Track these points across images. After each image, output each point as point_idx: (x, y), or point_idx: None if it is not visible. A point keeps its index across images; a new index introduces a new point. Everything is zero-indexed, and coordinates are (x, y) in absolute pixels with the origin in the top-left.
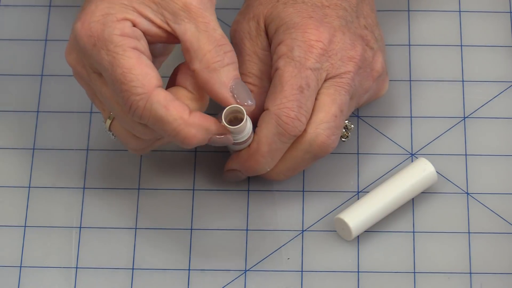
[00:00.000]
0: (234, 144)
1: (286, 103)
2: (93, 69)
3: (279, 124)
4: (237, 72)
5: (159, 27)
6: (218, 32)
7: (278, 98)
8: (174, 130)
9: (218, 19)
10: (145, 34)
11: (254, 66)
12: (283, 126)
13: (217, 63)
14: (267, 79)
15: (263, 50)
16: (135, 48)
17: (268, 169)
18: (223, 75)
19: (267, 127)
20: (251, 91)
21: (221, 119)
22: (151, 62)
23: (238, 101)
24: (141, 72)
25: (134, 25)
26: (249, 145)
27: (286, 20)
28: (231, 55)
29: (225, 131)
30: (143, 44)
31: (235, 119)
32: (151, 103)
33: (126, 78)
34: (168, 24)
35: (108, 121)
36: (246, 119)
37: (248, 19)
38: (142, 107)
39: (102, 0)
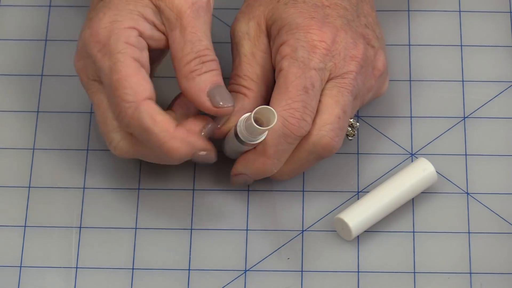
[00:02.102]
0: (246, 145)
1: (291, 104)
2: (94, 77)
3: (285, 125)
4: (216, 78)
5: (160, 31)
6: (202, 43)
7: (283, 99)
8: (159, 141)
9: (218, 19)
10: (150, 39)
11: (249, 69)
12: (289, 127)
13: (195, 72)
14: (263, 83)
15: (261, 52)
16: (137, 60)
17: (275, 171)
18: (200, 82)
19: (273, 128)
20: (245, 94)
21: (239, 128)
22: (149, 76)
23: (217, 104)
24: (135, 82)
25: (140, 35)
26: (254, 148)
27: (289, 21)
28: (211, 64)
29: (209, 148)
30: (144, 56)
31: (257, 120)
32: (139, 111)
33: (121, 85)
34: (166, 29)
35: None
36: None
37: (248, 19)
38: (130, 114)
39: (110, 8)
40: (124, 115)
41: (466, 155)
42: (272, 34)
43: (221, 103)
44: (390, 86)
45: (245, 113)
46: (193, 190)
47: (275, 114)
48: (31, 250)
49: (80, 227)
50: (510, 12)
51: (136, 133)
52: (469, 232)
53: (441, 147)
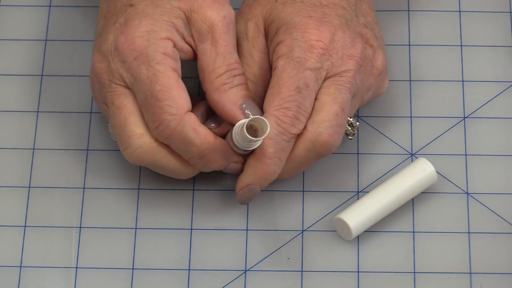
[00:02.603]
0: (243, 150)
1: (283, 104)
2: (120, 81)
3: (279, 123)
4: (246, 92)
5: (187, 43)
6: (233, 57)
7: (275, 100)
8: (200, 153)
9: None
10: (180, 50)
11: (248, 69)
12: (283, 125)
13: (227, 85)
14: (261, 84)
15: (259, 52)
16: (175, 70)
17: (279, 171)
18: (232, 95)
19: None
20: None
21: (234, 134)
22: (185, 86)
23: (246, 115)
24: (177, 94)
25: (174, 46)
26: (253, 153)
27: (287, 20)
28: (241, 78)
29: (241, 160)
30: (179, 66)
31: (250, 129)
32: (183, 125)
33: (163, 96)
34: (194, 41)
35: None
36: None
37: (246, 20)
38: (173, 127)
39: (145, 16)
40: (165, 127)
41: (466, 155)
42: (270, 34)
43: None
44: (390, 86)
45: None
46: (193, 190)
47: (267, 125)
48: (31, 250)
49: (80, 227)
50: (510, 12)
51: (175, 144)
52: (469, 232)
53: (441, 147)
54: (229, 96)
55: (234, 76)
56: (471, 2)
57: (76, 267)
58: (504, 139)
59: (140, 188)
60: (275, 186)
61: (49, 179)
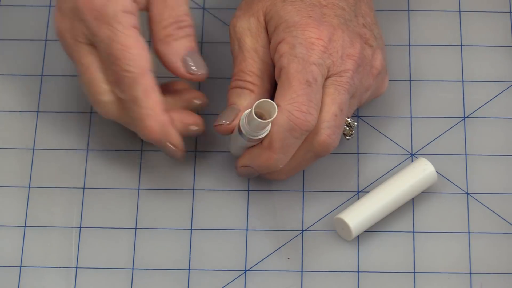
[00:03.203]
0: (250, 141)
1: (296, 97)
2: (83, 39)
3: (291, 119)
4: (191, 44)
5: None
6: (181, 9)
7: (287, 93)
8: (141, 116)
9: (218, 19)
10: (137, 2)
11: (254, 65)
12: (295, 120)
13: (171, 36)
14: (267, 78)
15: (263, 47)
16: (135, 27)
17: (281, 166)
18: (176, 47)
19: (279, 123)
20: (251, 90)
21: (242, 121)
22: (146, 43)
23: (191, 70)
24: (137, 52)
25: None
26: (261, 142)
27: (286, 18)
28: (187, 29)
29: (179, 146)
30: (138, 22)
31: (259, 115)
32: (137, 83)
33: (123, 55)
34: None
35: None
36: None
37: (248, 15)
38: (128, 84)
39: None
40: (120, 83)
41: (466, 155)
42: (269, 30)
43: (194, 69)
44: (390, 86)
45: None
46: (193, 190)
47: (275, 107)
48: (31, 250)
49: (80, 227)
50: (510, 12)
51: (127, 101)
52: (469, 232)
53: (441, 147)
54: (174, 48)
55: (181, 28)
56: (471, 2)
57: (76, 267)
58: (504, 139)
59: (140, 188)
60: (275, 186)
61: (49, 179)
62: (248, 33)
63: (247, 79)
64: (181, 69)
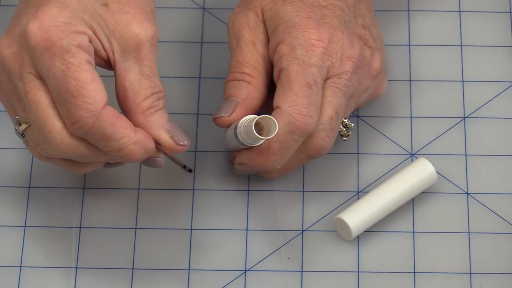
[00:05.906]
0: (245, 146)
1: (297, 100)
2: (31, 70)
3: (291, 122)
4: (167, 115)
5: (106, 52)
6: (157, 79)
7: (288, 95)
8: (119, 147)
9: (218, 19)
10: (95, 53)
11: (252, 57)
12: (295, 124)
13: (153, 108)
14: (264, 71)
15: (261, 41)
16: (89, 62)
17: (278, 166)
18: (158, 119)
19: (279, 125)
20: (249, 82)
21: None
22: (100, 79)
23: (180, 141)
24: (93, 89)
25: (90, 41)
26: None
27: (286, 19)
28: (163, 101)
29: (161, 156)
30: (93, 60)
31: (256, 126)
32: (100, 121)
33: (80, 93)
34: (113, 54)
35: (24, 126)
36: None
37: (247, 10)
38: (90, 124)
39: (65, 7)
40: (83, 124)
41: (466, 155)
42: (268, 29)
43: (185, 142)
44: (390, 86)
45: (251, 102)
46: (193, 190)
47: (276, 125)
48: (31, 250)
49: (80, 227)
50: (510, 12)
51: (94, 140)
52: (469, 232)
53: (441, 147)
54: (156, 119)
55: (160, 99)
56: (471, 2)
57: (76, 267)
58: (504, 139)
59: (140, 188)
60: (275, 186)
61: (49, 179)
62: (246, 26)
63: (245, 71)
64: (168, 141)
